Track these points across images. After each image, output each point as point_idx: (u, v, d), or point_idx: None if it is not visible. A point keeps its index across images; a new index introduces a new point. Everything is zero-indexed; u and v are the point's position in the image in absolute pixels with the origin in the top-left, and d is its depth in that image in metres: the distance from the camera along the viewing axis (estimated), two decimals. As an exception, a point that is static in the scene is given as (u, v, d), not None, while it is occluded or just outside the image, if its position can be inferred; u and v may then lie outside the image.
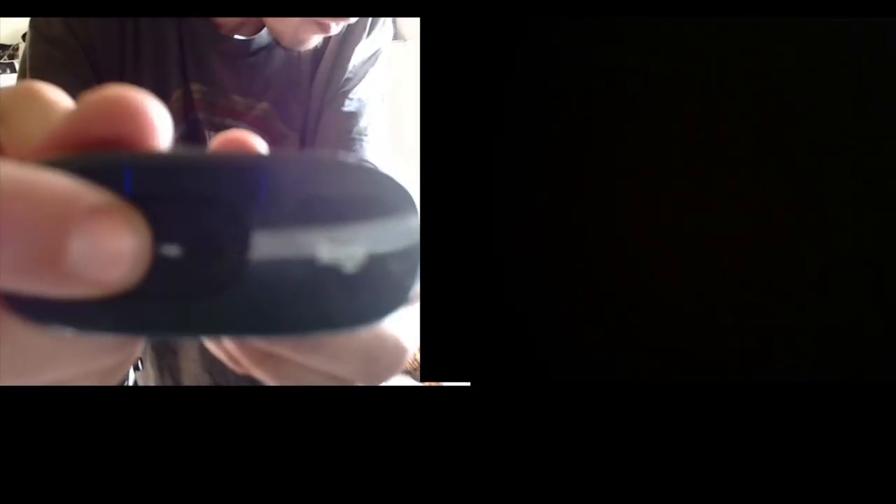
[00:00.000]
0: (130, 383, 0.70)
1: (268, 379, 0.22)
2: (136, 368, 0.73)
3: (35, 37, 0.69)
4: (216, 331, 0.17)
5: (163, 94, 0.72)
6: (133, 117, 0.17)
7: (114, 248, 0.15)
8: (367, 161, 0.16)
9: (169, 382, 0.83)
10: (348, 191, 0.17)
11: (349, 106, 0.73)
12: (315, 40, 0.69)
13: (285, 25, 0.67)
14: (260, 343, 0.20)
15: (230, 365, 0.23)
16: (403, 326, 0.22)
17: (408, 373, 2.86)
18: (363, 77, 0.75)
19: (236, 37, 0.71)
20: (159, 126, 0.17)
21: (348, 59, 0.74)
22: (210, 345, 0.23)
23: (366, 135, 0.74)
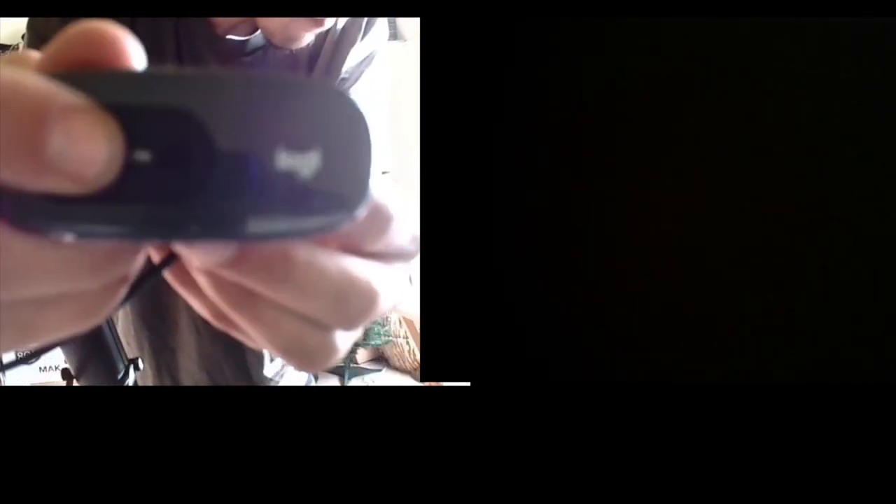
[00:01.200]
0: (130, 383, 0.70)
1: (247, 324, 0.22)
2: (136, 369, 0.73)
3: (32, 37, 0.69)
4: (183, 235, 0.19)
5: None
6: (107, 42, 0.18)
7: (89, 146, 0.17)
8: (321, 81, 0.17)
9: (167, 382, 0.83)
10: (304, 104, 0.18)
11: None
12: (307, 38, 0.69)
13: (275, 23, 0.67)
14: (233, 277, 0.21)
15: (213, 321, 0.24)
16: (381, 273, 0.23)
17: (408, 373, 2.85)
18: (359, 78, 0.75)
19: (232, 37, 0.71)
20: (131, 50, 0.19)
21: (343, 61, 0.74)
22: (193, 301, 0.24)
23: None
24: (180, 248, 0.21)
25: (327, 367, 0.24)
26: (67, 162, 0.16)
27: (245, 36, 0.72)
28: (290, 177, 0.18)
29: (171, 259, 0.22)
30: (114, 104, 0.17)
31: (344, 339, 0.24)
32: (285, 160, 0.18)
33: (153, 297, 0.80)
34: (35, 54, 0.20)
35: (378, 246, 0.23)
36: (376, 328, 2.82)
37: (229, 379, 0.81)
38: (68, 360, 0.68)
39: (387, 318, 2.85)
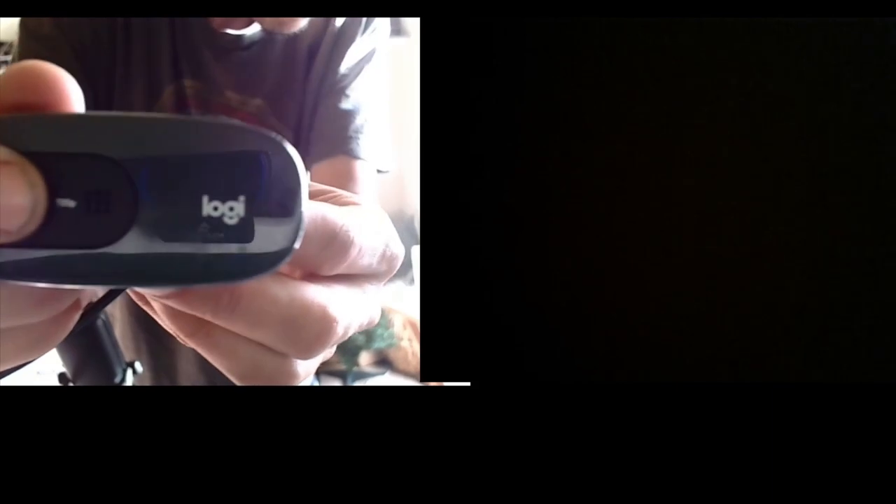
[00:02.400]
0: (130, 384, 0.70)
1: (205, 351, 0.23)
2: (133, 372, 0.72)
3: (24, 35, 0.69)
4: (108, 280, 0.19)
5: (155, 90, 0.71)
6: (41, 84, 0.18)
7: (10, 198, 0.17)
8: (248, 126, 0.19)
9: (166, 384, 0.82)
10: (230, 150, 0.18)
11: (345, 103, 0.73)
12: (301, 22, 0.68)
13: None
14: (183, 307, 0.21)
15: (179, 339, 0.24)
16: (340, 298, 0.23)
17: (412, 376, 2.85)
18: (359, 73, 0.75)
19: (228, 31, 0.71)
20: (69, 92, 0.18)
21: (343, 56, 0.73)
22: (153, 314, 0.23)
23: (362, 132, 0.73)
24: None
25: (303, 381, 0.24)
26: None
27: (241, 30, 0.72)
28: (215, 224, 0.18)
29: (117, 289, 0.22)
30: (38, 151, 0.17)
31: (305, 364, 0.24)
32: (209, 207, 0.18)
33: None
34: None
35: (339, 270, 0.23)
36: (379, 331, 2.82)
37: (228, 381, 0.81)
38: (65, 363, 0.68)
39: (391, 320, 2.85)
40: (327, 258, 0.22)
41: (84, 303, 0.22)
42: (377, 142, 0.75)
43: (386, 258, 0.25)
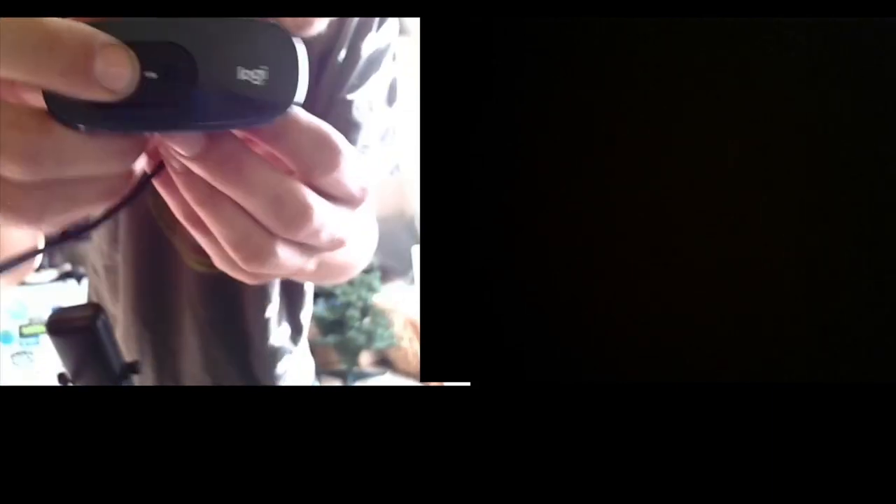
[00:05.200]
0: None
1: (208, 217, 0.29)
2: (133, 372, 0.72)
3: None
4: (180, 126, 0.27)
5: None
6: None
7: (119, 69, 0.25)
8: (267, 22, 0.29)
9: (168, 384, 0.82)
10: (255, 36, 0.27)
11: (356, 113, 0.72)
12: (319, 26, 0.68)
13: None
14: (198, 170, 0.28)
15: (184, 221, 0.31)
16: (317, 198, 0.29)
17: (412, 376, 2.85)
18: (370, 78, 0.74)
19: None
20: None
21: (355, 63, 0.73)
22: (170, 201, 0.31)
23: (369, 145, 0.73)
24: (165, 152, 0.29)
25: (274, 274, 0.33)
26: (106, 79, 0.25)
27: None
28: (247, 84, 0.27)
29: (159, 167, 0.30)
30: (131, 41, 0.26)
31: (286, 252, 0.30)
32: (241, 73, 0.27)
33: (155, 300, 0.79)
34: None
35: (327, 182, 0.30)
36: (380, 331, 2.82)
37: (232, 381, 0.81)
38: (65, 364, 0.68)
39: (391, 320, 2.85)
40: (318, 162, 0.29)
41: (137, 175, 0.30)
42: (385, 152, 0.75)
43: (361, 187, 0.31)
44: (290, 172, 0.29)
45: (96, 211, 0.30)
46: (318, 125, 0.29)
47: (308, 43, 0.28)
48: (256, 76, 0.27)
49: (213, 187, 0.29)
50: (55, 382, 0.69)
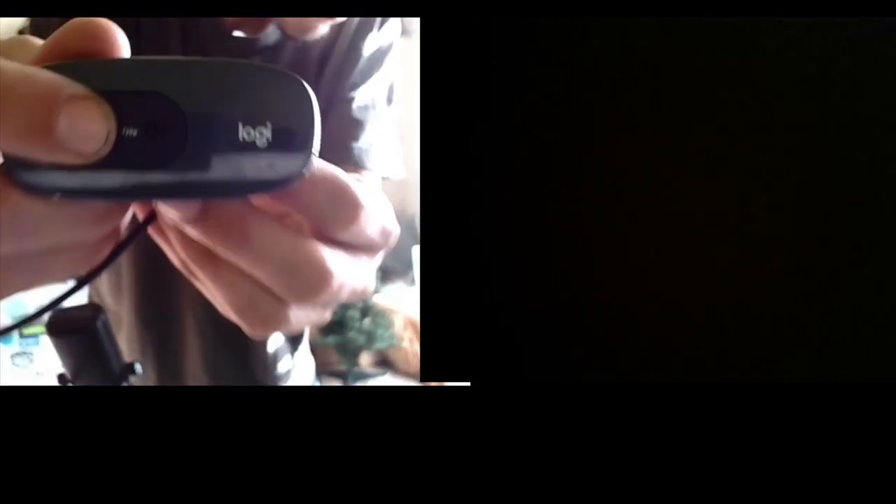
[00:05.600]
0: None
1: (209, 279, 0.25)
2: (133, 373, 0.72)
3: (34, 33, 0.68)
4: (165, 194, 0.23)
5: None
6: (99, 34, 0.22)
7: (89, 127, 0.21)
8: (273, 66, 0.23)
9: (170, 384, 0.82)
10: (258, 85, 0.23)
11: (356, 112, 0.72)
12: (322, 30, 0.68)
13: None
14: (196, 236, 0.24)
15: (183, 271, 0.27)
16: (340, 259, 0.26)
17: (412, 377, 2.85)
18: (371, 77, 0.74)
19: (240, 34, 0.70)
20: (120, 41, 0.22)
21: (355, 63, 0.73)
22: (168, 252, 0.27)
23: (372, 143, 0.73)
24: (158, 206, 0.25)
25: (284, 332, 0.27)
26: (72, 140, 0.20)
27: (254, 33, 0.72)
28: (249, 145, 0.22)
29: (151, 217, 0.26)
30: (106, 89, 0.21)
31: (300, 315, 0.26)
32: (244, 132, 0.22)
33: (156, 301, 0.79)
34: (36, 41, 0.24)
35: (346, 235, 0.26)
36: (380, 332, 2.82)
37: (233, 382, 0.81)
38: (64, 364, 0.68)
39: (391, 321, 2.85)
40: (335, 216, 0.25)
41: (121, 232, 0.26)
42: (386, 152, 0.75)
43: (384, 233, 0.27)
44: (301, 227, 0.25)
45: (67, 280, 0.26)
46: (334, 174, 0.25)
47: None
48: (261, 136, 0.22)
49: (212, 250, 0.25)
50: (55, 383, 0.69)
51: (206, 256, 0.25)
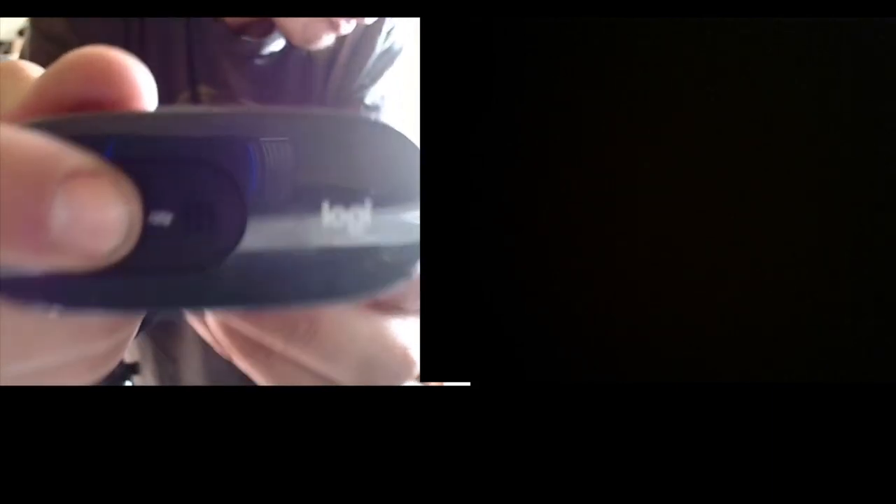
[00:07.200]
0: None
1: (256, 374, 0.20)
2: (133, 373, 0.72)
3: (34, 34, 0.68)
4: (212, 305, 0.16)
5: (169, 96, 0.71)
6: (113, 74, 0.15)
7: (100, 215, 0.14)
8: (372, 119, 0.16)
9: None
10: (351, 145, 0.15)
11: (364, 113, 0.72)
12: (327, 40, 0.67)
13: (295, 23, 0.66)
14: (249, 331, 0.18)
15: (217, 349, 0.21)
16: (413, 333, 0.20)
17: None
18: (378, 81, 0.74)
19: (246, 37, 0.70)
20: (142, 83, 0.15)
21: (363, 65, 0.73)
22: (197, 325, 0.21)
23: None
24: None
25: None
26: (75, 237, 0.13)
27: (260, 37, 0.71)
28: (335, 236, 0.15)
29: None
30: (125, 157, 0.14)
31: None
32: (331, 216, 0.15)
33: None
34: (29, 70, 0.17)
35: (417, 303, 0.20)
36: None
37: (230, 382, 0.80)
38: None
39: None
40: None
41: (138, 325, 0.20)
42: None
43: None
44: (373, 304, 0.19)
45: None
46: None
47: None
48: (356, 220, 0.15)
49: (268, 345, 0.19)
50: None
51: (257, 351, 0.20)
